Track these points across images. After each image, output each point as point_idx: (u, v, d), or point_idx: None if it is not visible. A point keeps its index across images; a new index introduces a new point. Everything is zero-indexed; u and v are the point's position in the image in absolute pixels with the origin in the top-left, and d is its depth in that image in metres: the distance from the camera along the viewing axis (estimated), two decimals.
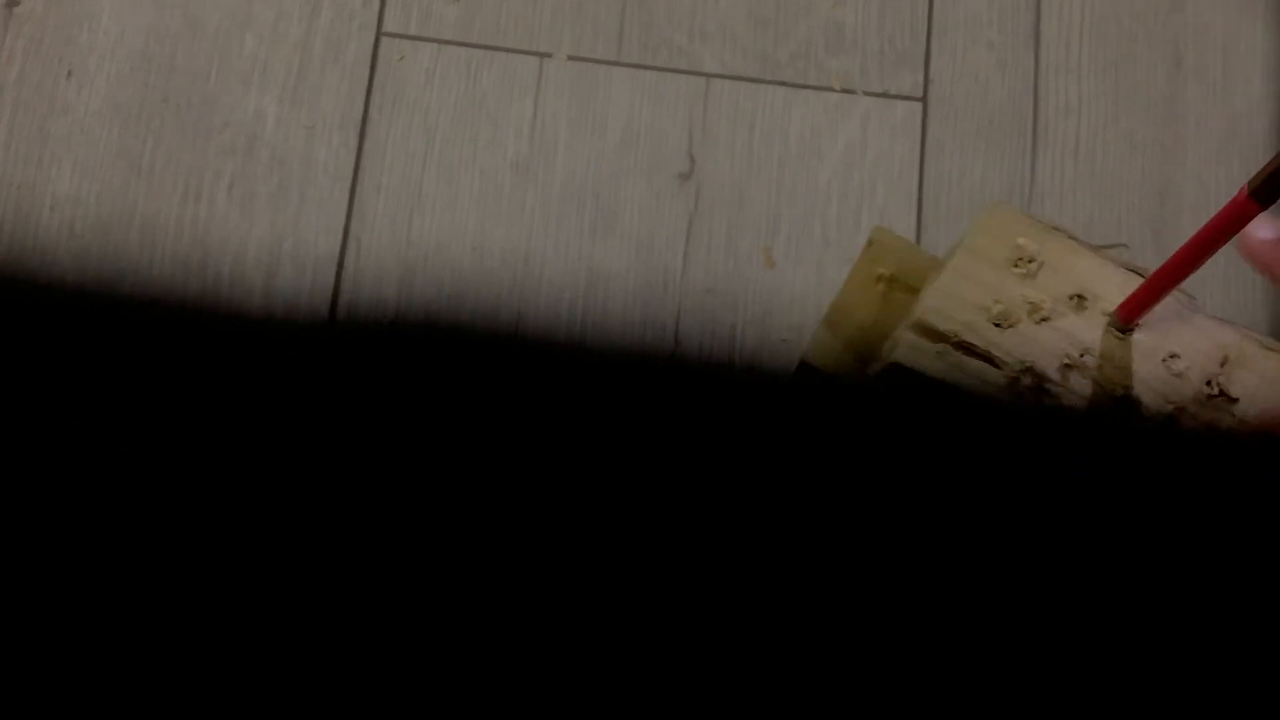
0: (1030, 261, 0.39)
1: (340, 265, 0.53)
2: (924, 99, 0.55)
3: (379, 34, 0.55)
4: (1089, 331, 0.38)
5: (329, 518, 0.50)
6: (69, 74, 0.54)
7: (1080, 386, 0.38)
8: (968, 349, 0.38)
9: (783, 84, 0.55)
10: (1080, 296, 0.38)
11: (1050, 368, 0.38)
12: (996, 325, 0.38)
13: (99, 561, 0.50)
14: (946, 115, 0.55)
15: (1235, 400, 0.38)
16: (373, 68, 0.55)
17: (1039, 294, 0.39)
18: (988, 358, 0.38)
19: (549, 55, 0.55)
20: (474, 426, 0.51)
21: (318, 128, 0.54)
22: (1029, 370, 0.38)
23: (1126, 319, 0.38)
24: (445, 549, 0.50)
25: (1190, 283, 0.35)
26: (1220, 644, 0.50)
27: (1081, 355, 0.38)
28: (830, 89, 0.55)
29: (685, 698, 0.49)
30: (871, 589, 0.50)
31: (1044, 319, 0.38)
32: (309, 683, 0.49)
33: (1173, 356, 0.38)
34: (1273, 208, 0.32)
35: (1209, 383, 0.38)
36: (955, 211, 0.54)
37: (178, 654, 0.49)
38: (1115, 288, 0.39)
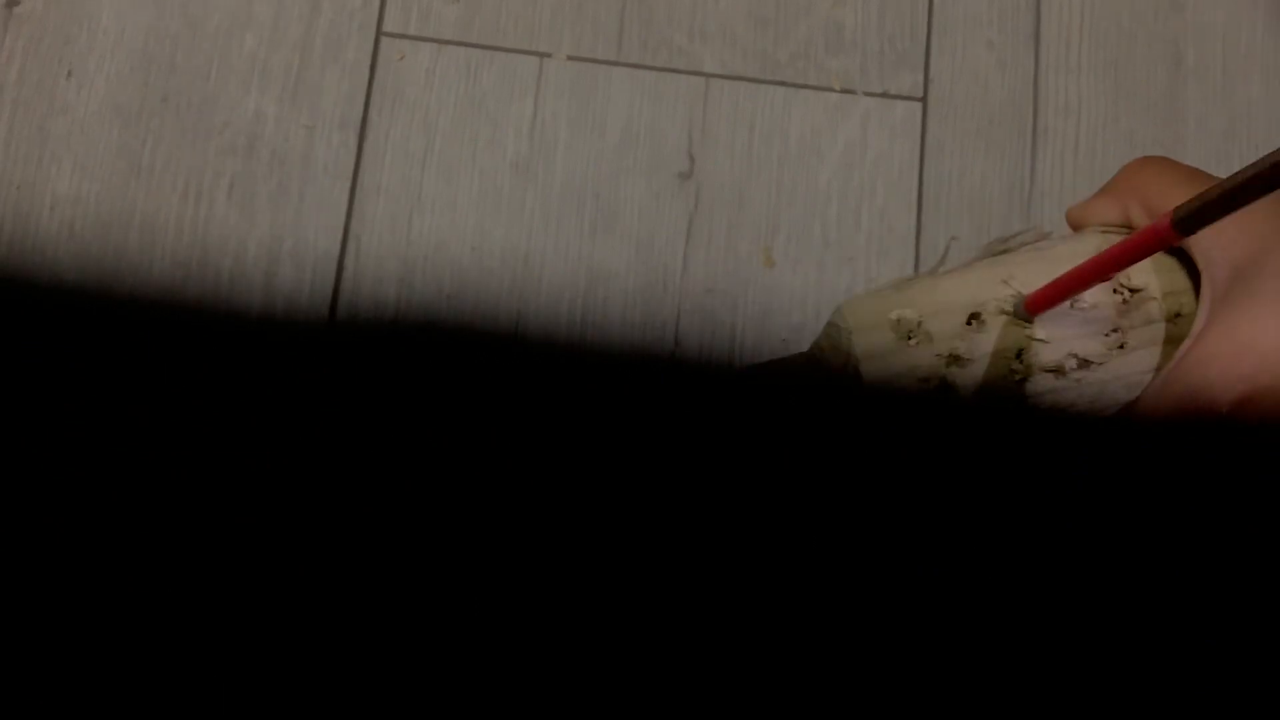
0: (917, 326, 0.38)
1: (340, 265, 0.53)
2: (924, 99, 0.55)
3: (379, 34, 0.55)
4: (1008, 337, 0.38)
5: (329, 517, 0.50)
6: (69, 74, 0.54)
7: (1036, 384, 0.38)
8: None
9: (783, 84, 0.55)
10: (974, 315, 0.38)
11: (1004, 391, 0.38)
12: (941, 392, 0.38)
13: (99, 561, 0.50)
14: (946, 115, 0.55)
15: (1143, 288, 0.38)
16: (373, 68, 0.55)
17: (947, 344, 0.38)
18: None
19: (549, 55, 0.55)
20: (474, 426, 0.51)
21: (318, 128, 0.54)
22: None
23: (1034, 313, 0.38)
24: (445, 549, 0.50)
25: None
26: (1220, 636, 0.50)
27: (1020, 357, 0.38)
28: (830, 89, 0.55)
29: (685, 698, 0.49)
30: (870, 590, 0.50)
31: (968, 360, 0.38)
32: (309, 683, 0.49)
33: (1075, 301, 0.38)
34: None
35: (1115, 290, 0.38)
36: (955, 211, 0.54)
37: (178, 654, 0.49)
38: (989, 285, 0.38)
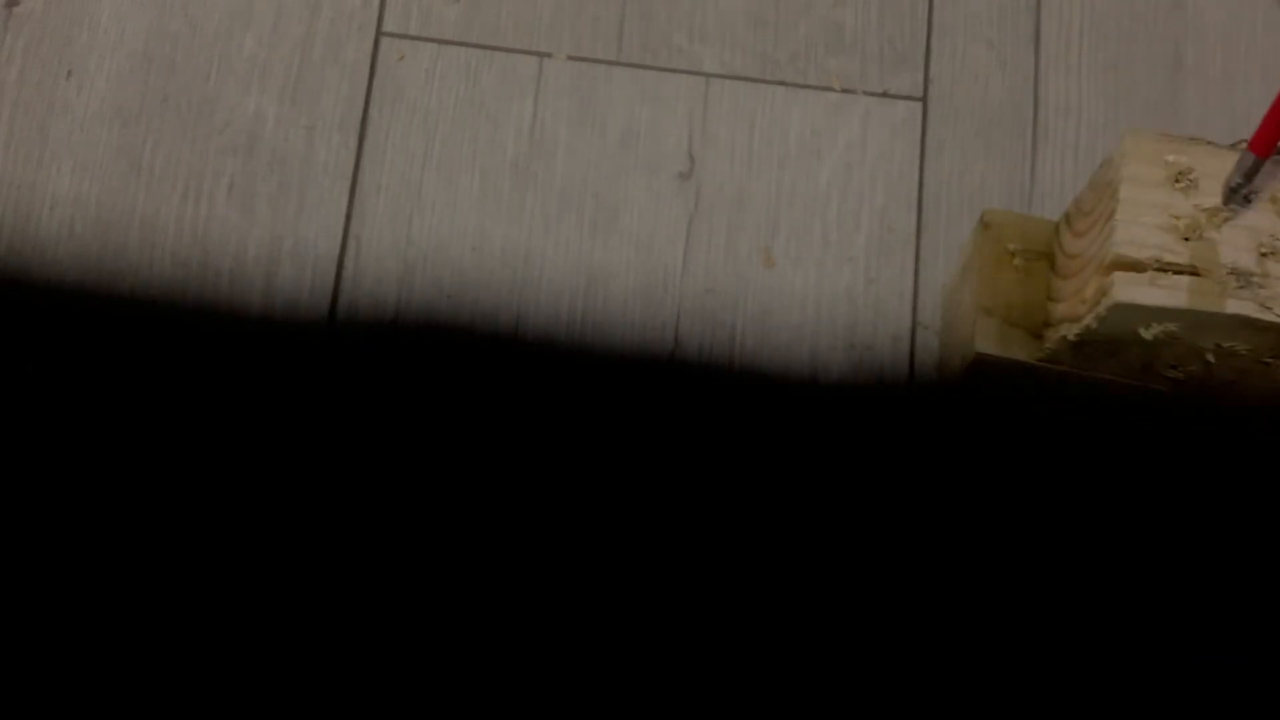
0: (1189, 173, 0.41)
1: (340, 265, 0.53)
2: (924, 99, 0.55)
3: (379, 34, 0.55)
4: (1265, 219, 0.40)
5: (329, 517, 0.50)
6: (69, 74, 0.54)
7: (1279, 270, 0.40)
8: (1172, 269, 0.40)
9: (783, 84, 0.55)
10: (1242, 191, 0.41)
11: (1249, 262, 0.40)
12: (1186, 239, 0.40)
13: (99, 561, 0.50)
14: (946, 115, 0.55)
15: None
16: (373, 68, 0.55)
17: (1210, 200, 0.41)
18: (1192, 271, 0.40)
19: (549, 55, 0.55)
20: (474, 426, 0.51)
21: (318, 128, 0.54)
22: (1233, 271, 0.40)
23: (1260, 152, 0.40)
24: (445, 549, 0.50)
25: None
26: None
27: (1275, 240, 0.41)
28: (830, 89, 0.55)
29: (685, 698, 0.49)
30: (872, 590, 0.50)
31: (1226, 219, 0.41)
32: (309, 682, 0.49)
33: None
34: None
35: None
36: (955, 211, 0.54)
37: (178, 653, 0.49)
38: (1262, 177, 0.41)
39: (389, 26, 0.55)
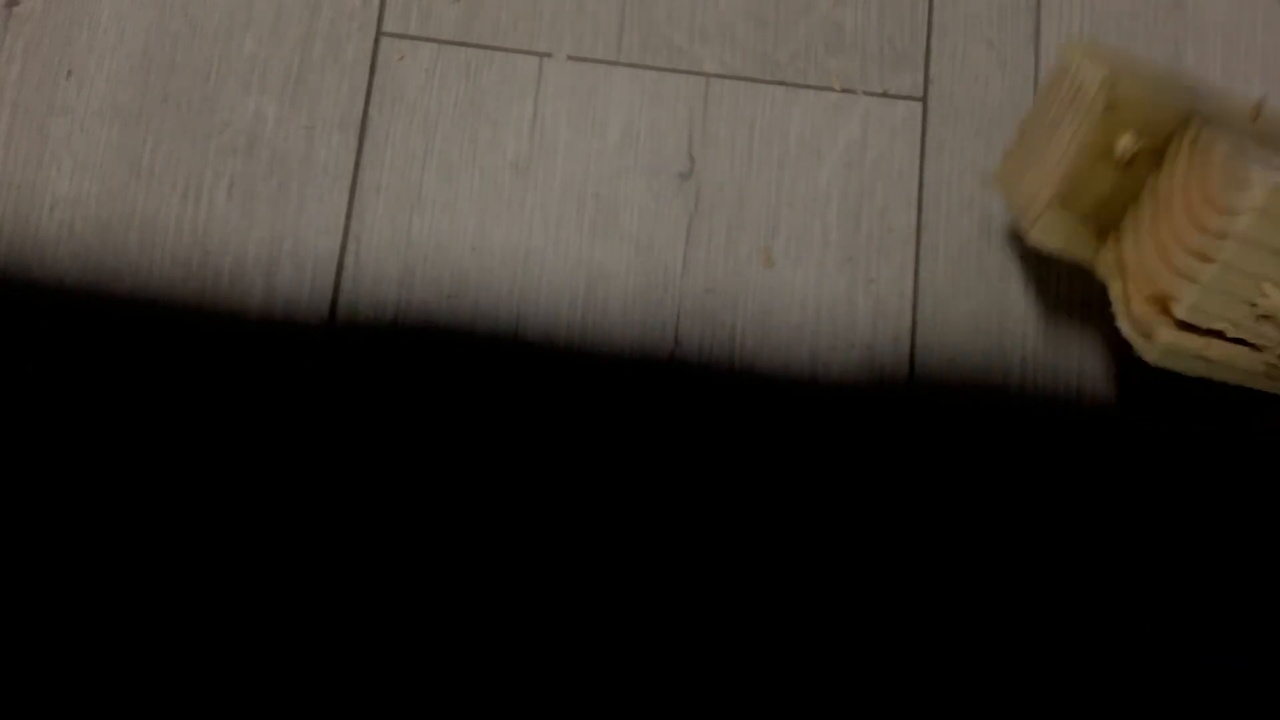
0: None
1: (340, 265, 0.53)
2: (924, 99, 0.55)
3: (379, 34, 0.55)
4: None
5: (329, 517, 0.50)
6: (69, 74, 0.54)
7: None
8: (1227, 339, 0.36)
9: (783, 84, 0.55)
10: None
11: None
12: (1265, 317, 0.36)
13: (99, 561, 0.50)
14: (946, 115, 0.55)
15: None
16: (373, 68, 0.55)
17: None
18: (1250, 345, 0.36)
19: (549, 55, 0.55)
20: (474, 426, 0.51)
21: (318, 128, 0.54)
22: None
23: None
24: (445, 549, 0.50)
25: None
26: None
27: None
28: (830, 89, 0.55)
29: (685, 698, 0.49)
30: (871, 590, 0.50)
31: None
32: (309, 682, 0.49)
33: None
34: None
35: None
36: (955, 211, 0.54)
37: (178, 653, 0.49)
38: None
39: (389, 26, 0.55)
